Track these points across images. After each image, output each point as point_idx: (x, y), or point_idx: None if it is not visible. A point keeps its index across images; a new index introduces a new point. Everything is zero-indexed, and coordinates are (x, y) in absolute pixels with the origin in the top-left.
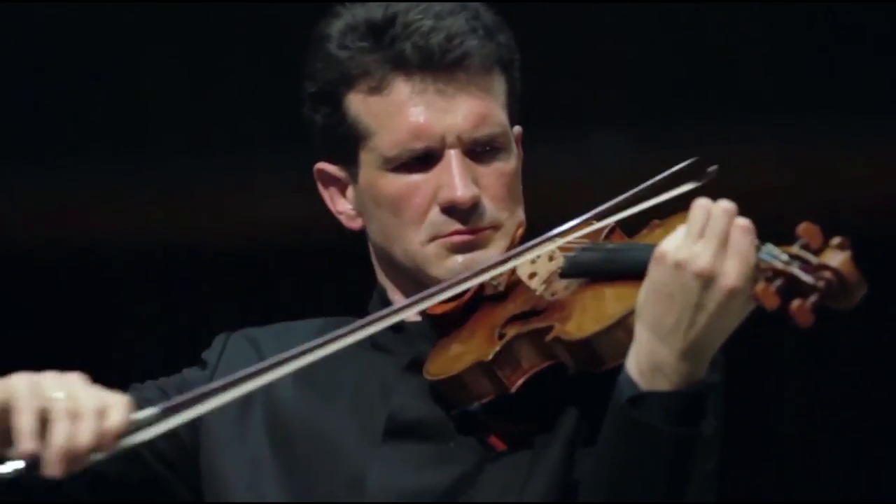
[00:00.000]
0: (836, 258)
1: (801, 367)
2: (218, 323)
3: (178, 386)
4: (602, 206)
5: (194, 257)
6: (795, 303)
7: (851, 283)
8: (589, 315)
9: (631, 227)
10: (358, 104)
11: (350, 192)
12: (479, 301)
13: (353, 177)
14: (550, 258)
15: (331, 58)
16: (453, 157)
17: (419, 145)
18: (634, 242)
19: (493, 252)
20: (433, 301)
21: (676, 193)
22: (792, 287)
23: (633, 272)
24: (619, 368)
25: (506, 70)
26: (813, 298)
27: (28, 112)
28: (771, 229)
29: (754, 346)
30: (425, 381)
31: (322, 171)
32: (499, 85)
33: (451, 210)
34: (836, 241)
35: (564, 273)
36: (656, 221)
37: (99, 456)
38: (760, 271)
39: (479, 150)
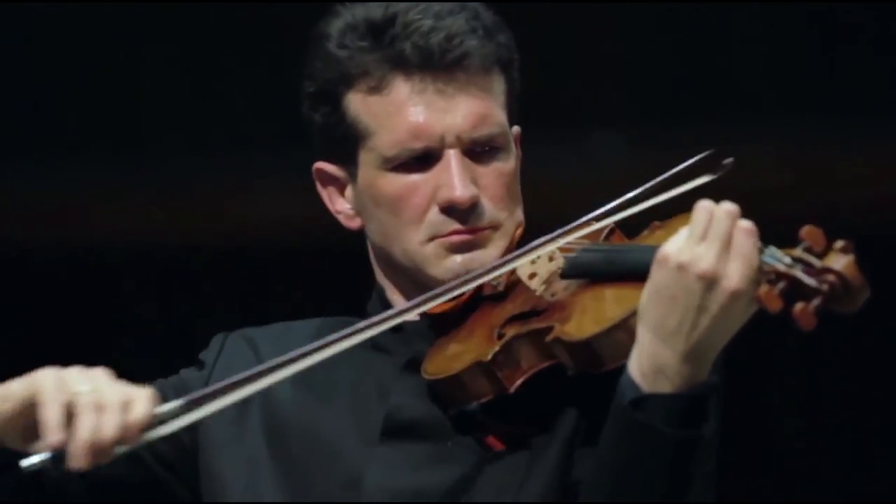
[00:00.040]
0: (840, 261)
1: (800, 367)
2: (217, 322)
3: (176, 387)
4: (618, 199)
5: (194, 257)
6: (798, 306)
7: (855, 286)
8: (589, 316)
9: (631, 228)
10: (357, 104)
11: (349, 191)
12: (477, 301)
13: (352, 176)
14: (550, 258)
15: (330, 57)
16: (452, 156)
17: (418, 145)
18: (635, 244)
19: (492, 252)
20: (435, 303)
21: (692, 187)
22: (795, 290)
23: (635, 273)
24: (619, 369)
25: (505, 70)
26: (816, 302)
27: (28, 112)
28: (771, 229)
29: (754, 347)
30: (423, 381)
31: (321, 171)
32: (498, 85)
33: (449, 210)
34: (839, 244)
35: (565, 274)
36: (657, 223)
37: (123, 449)
38: (763, 274)
39: (478, 150)
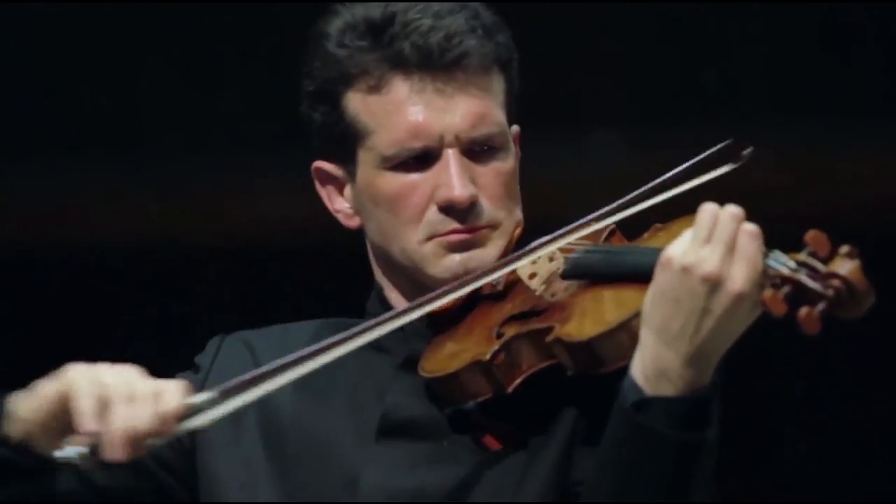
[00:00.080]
0: (846, 266)
1: (800, 367)
2: (217, 322)
3: None
4: (637, 190)
5: (193, 257)
6: (803, 310)
7: (860, 291)
8: (590, 317)
9: (632, 229)
10: (356, 103)
11: (348, 190)
12: (476, 299)
13: (351, 175)
14: (551, 259)
15: (329, 56)
16: (451, 156)
17: (417, 144)
18: (637, 245)
19: (490, 251)
20: (437, 304)
21: (712, 177)
22: (799, 295)
23: (636, 275)
24: (617, 370)
25: (504, 69)
26: (821, 307)
27: (28, 112)
28: (771, 230)
29: (753, 347)
30: (420, 380)
31: (320, 170)
32: (497, 84)
33: (448, 209)
34: (844, 249)
35: (566, 274)
36: (658, 225)
37: (158, 440)
38: (768, 277)
39: (477, 150)
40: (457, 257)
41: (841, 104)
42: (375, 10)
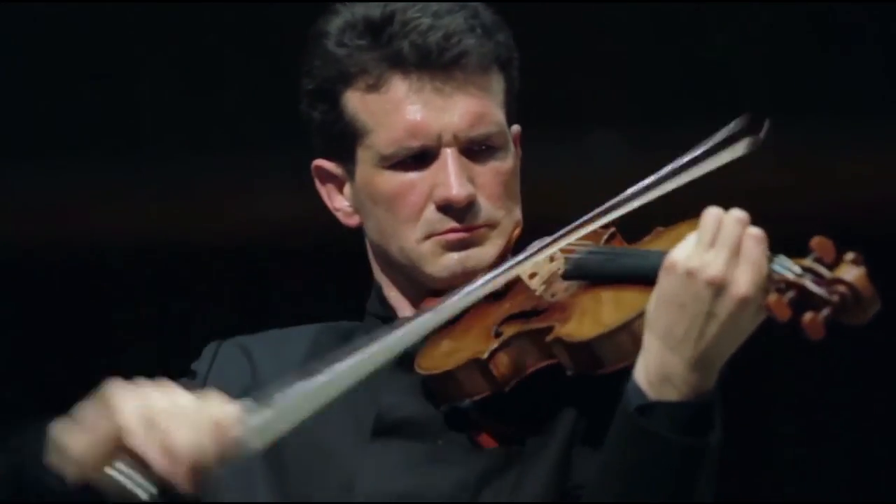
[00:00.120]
0: (851, 273)
1: (800, 366)
2: (217, 322)
3: None
4: (662, 171)
5: (193, 257)
6: (807, 316)
7: (866, 298)
8: (591, 318)
9: (633, 233)
10: (355, 101)
11: (347, 189)
12: None
13: (351, 174)
14: (551, 259)
15: (329, 55)
16: (449, 155)
17: (415, 143)
18: (638, 248)
19: (488, 250)
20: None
21: (736, 154)
22: (804, 300)
23: (638, 277)
24: (616, 371)
25: (504, 69)
26: (825, 312)
27: (28, 112)
28: (770, 230)
29: (753, 347)
30: (415, 378)
31: (320, 168)
32: (497, 84)
33: (446, 208)
34: (850, 256)
35: (567, 275)
36: (660, 228)
37: (223, 467)
38: (772, 282)
39: (475, 149)
40: (455, 256)
41: (841, 104)
42: (375, 10)
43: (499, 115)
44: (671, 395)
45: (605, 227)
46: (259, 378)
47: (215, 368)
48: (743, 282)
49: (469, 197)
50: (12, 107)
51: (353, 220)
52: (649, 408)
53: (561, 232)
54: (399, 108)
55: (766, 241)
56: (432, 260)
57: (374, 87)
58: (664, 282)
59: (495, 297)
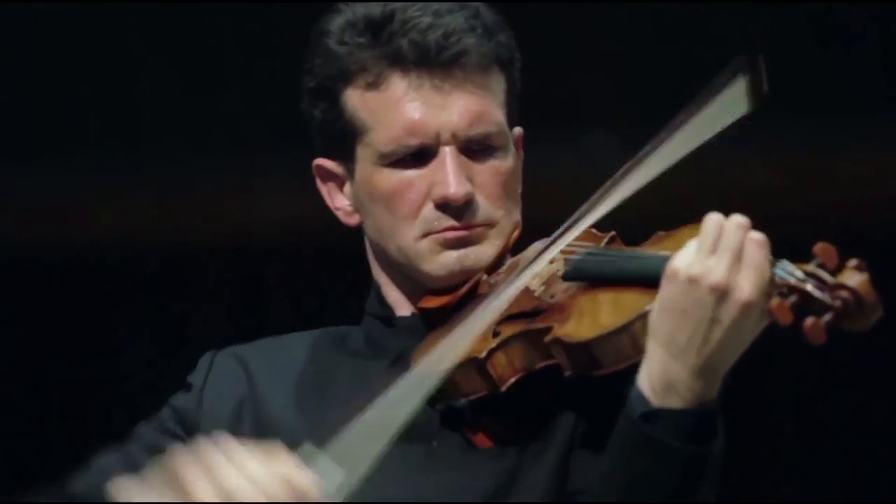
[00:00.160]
0: (854, 279)
1: (800, 368)
2: (217, 322)
3: (176, 419)
4: (662, 133)
5: (193, 257)
6: (809, 320)
7: (868, 304)
8: (590, 319)
9: (633, 235)
10: (355, 99)
11: (347, 187)
12: (473, 297)
13: (350, 172)
14: (551, 260)
15: (329, 53)
16: (448, 153)
17: (414, 141)
18: (639, 251)
19: (487, 249)
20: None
21: (736, 92)
22: (806, 304)
23: (639, 279)
24: (614, 373)
25: (505, 69)
26: (827, 317)
27: (28, 112)
28: (770, 230)
29: (753, 348)
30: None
31: (320, 167)
32: (497, 84)
33: (444, 206)
34: (853, 262)
35: (567, 276)
36: (661, 233)
37: None
38: (775, 287)
39: (474, 148)
40: (453, 254)
41: (840, 104)
42: (376, 8)
43: (498, 114)
44: (675, 402)
45: (606, 230)
46: (256, 388)
47: (211, 380)
48: (746, 287)
49: (467, 195)
50: (12, 107)
51: (353, 220)
52: (653, 415)
53: (568, 221)
54: (398, 106)
55: (768, 245)
56: (430, 258)
57: (373, 85)
58: (666, 289)
59: None
